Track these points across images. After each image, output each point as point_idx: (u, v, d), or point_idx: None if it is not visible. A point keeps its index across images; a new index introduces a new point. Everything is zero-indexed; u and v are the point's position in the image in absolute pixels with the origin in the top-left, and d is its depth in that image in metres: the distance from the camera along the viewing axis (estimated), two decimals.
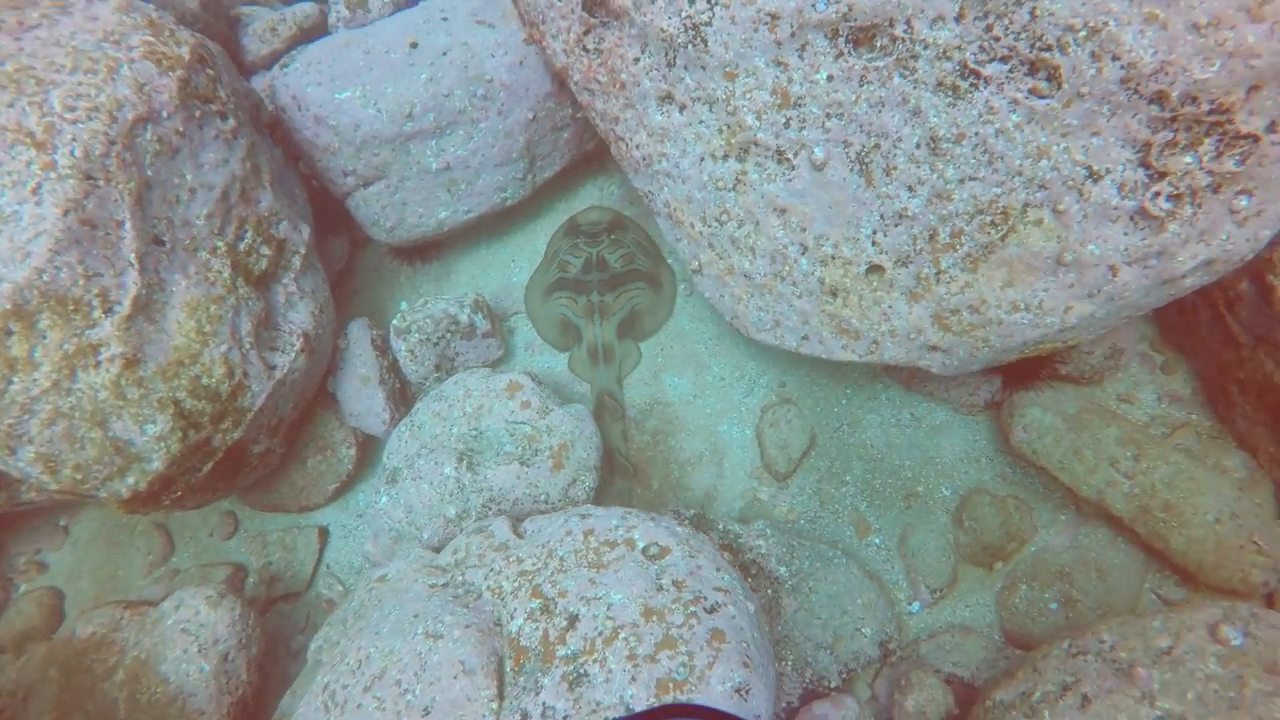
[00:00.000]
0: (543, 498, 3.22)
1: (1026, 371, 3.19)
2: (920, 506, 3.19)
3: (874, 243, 2.76)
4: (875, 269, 2.79)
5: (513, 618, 2.41)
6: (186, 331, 2.91)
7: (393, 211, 3.73)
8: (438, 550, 3.10)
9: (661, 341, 3.86)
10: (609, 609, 2.27)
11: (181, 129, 2.90)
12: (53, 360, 2.68)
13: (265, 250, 3.21)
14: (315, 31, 4.25)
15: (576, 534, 2.53)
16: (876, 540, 3.20)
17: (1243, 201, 2.28)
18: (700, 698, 2.06)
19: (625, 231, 3.98)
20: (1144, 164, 2.35)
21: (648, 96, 3.01)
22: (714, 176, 2.98)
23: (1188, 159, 2.29)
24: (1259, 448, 2.85)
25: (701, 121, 2.93)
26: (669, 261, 4.05)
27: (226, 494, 3.38)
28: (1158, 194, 2.34)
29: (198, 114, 2.97)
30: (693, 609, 2.24)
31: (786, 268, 2.95)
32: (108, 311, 2.75)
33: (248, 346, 3.08)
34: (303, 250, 3.39)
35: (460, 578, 2.67)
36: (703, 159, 2.99)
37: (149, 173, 2.83)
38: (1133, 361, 3.23)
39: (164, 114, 2.85)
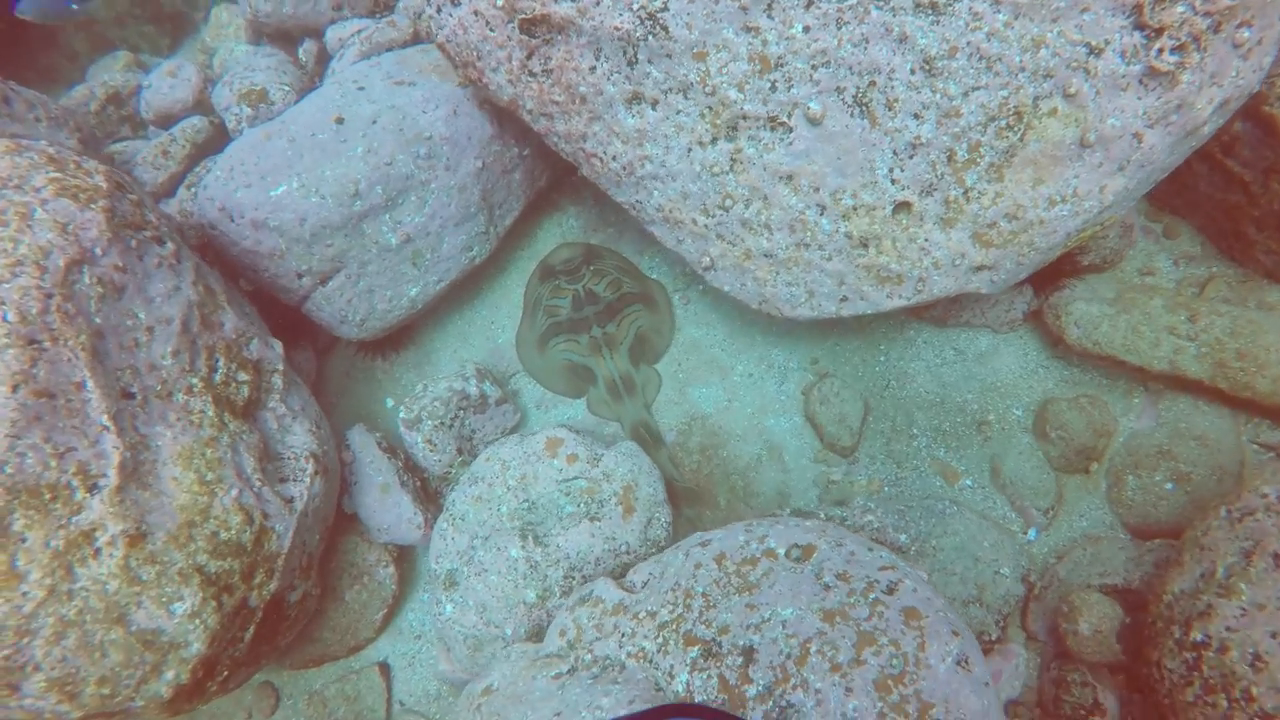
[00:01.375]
0: (623, 549, 2.94)
1: (1051, 275, 3.18)
2: (997, 435, 3.11)
3: (893, 180, 2.69)
4: (902, 206, 2.72)
5: (673, 676, 2.13)
6: (188, 486, 2.51)
7: (360, 302, 3.41)
8: (536, 641, 2.76)
9: (675, 357, 3.67)
10: (784, 627, 2.03)
11: (121, 264, 2.53)
12: (42, 564, 2.25)
13: (243, 376, 2.84)
14: (213, 144, 3.91)
15: (708, 564, 2.28)
16: (968, 482, 3.08)
17: (1244, 34, 2.33)
18: (927, 684, 1.84)
19: (602, 260, 3.80)
20: (1139, 26, 2.37)
21: (614, 103, 2.86)
22: (706, 164, 2.85)
23: (1180, 8, 2.33)
24: None
25: (679, 112, 2.81)
26: (653, 278, 3.89)
27: (270, 660, 2.93)
28: (1161, 50, 2.37)
29: (134, 244, 2.61)
30: (872, 596, 2.04)
31: (809, 233, 2.83)
32: (92, 489, 2.33)
33: (258, 484, 2.69)
34: (281, 367, 3.03)
35: (587, 657, 2.36)
36: (690, 149, 2.85)
37: (98, 320, 2.45)
38: (1138, 237, 3.28)
39: (97, 251, 2.48)
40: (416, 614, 3.34)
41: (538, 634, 2.88)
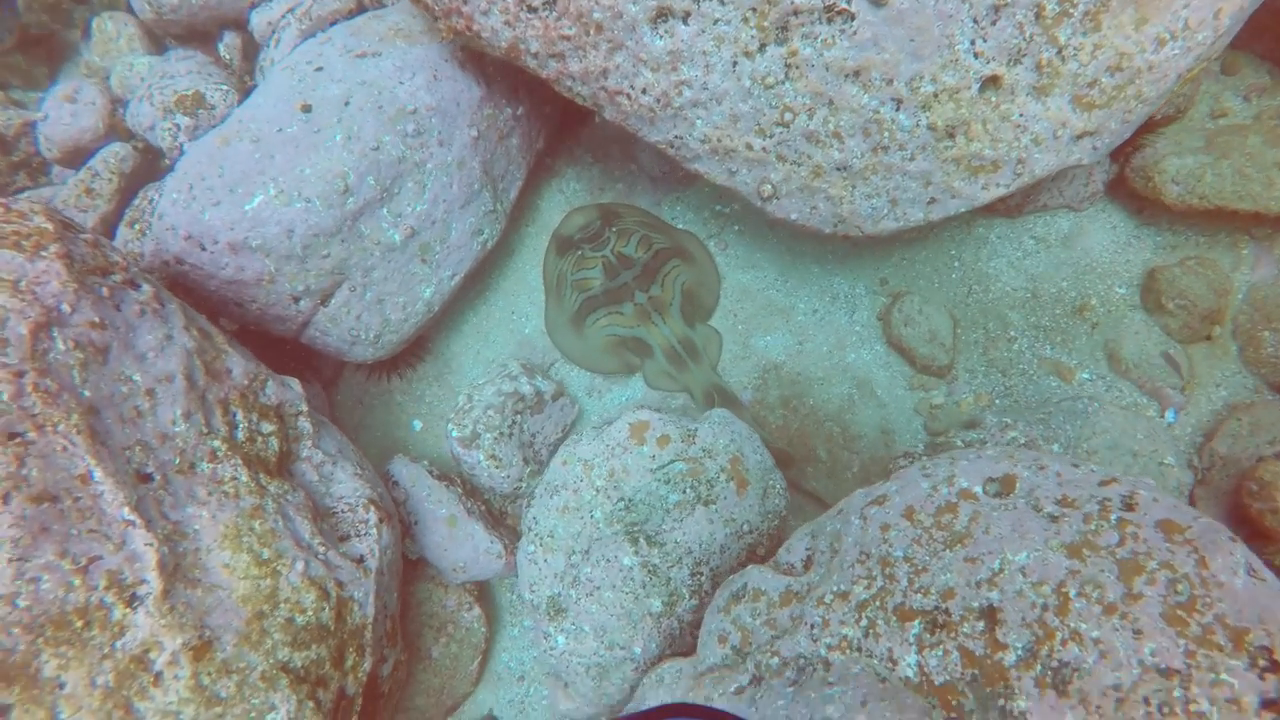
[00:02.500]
0: (746, 529, 2.60)
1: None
2: (1104, 319, 2.86)
3: (976, 53, 2.36)
4: (989, 82, 2.39)
5: (896, 661, 1.80)
6: (244, 570, 2.04)
7: (371, 316, 2.93)
8: (681, 655, 2.40)
9: (729, 308, 3.30)
10: (1025, 575, 1.72)
11: (97, 319, 2.02)
12: (92, 709, 1.78)
13: (267, 426, 2.36)
14: (144, 171, 3.32)
15: (897, 522, 1.95)
16: (1085, 375, 2.83)
17: None
18: (1228, 604, 1.56)
19: (622, 218, 3.39)
20: None
21: (637, 25, 2.45)
22: (757, 76, 2.47)
23: None
24: None
25: (717, 20, 2.41)
26: (680, 228, 3.50)
27: None
28: None
29: (105, 292, 2.09)
30: (1113, 516, 1.74)
31: (886, 134, 2.49)
32: (133, 601, 1.86)
33: (321, 550, 2.24)
34: (304, 408, 2.55)
35: (773, 661, 2.01)
36: (735, 63, 2.47)
37: (87, 393, 1.94)
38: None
39: (65, 309, 1.96)
40: (511, 653, 2.93)
41: (676, 646, 2.53)
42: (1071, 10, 2.28)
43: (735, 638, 2.15)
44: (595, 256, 3.28)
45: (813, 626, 1.96)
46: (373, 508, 2.45)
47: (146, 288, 2.23)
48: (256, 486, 2.20)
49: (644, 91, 2.59)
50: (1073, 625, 1.62)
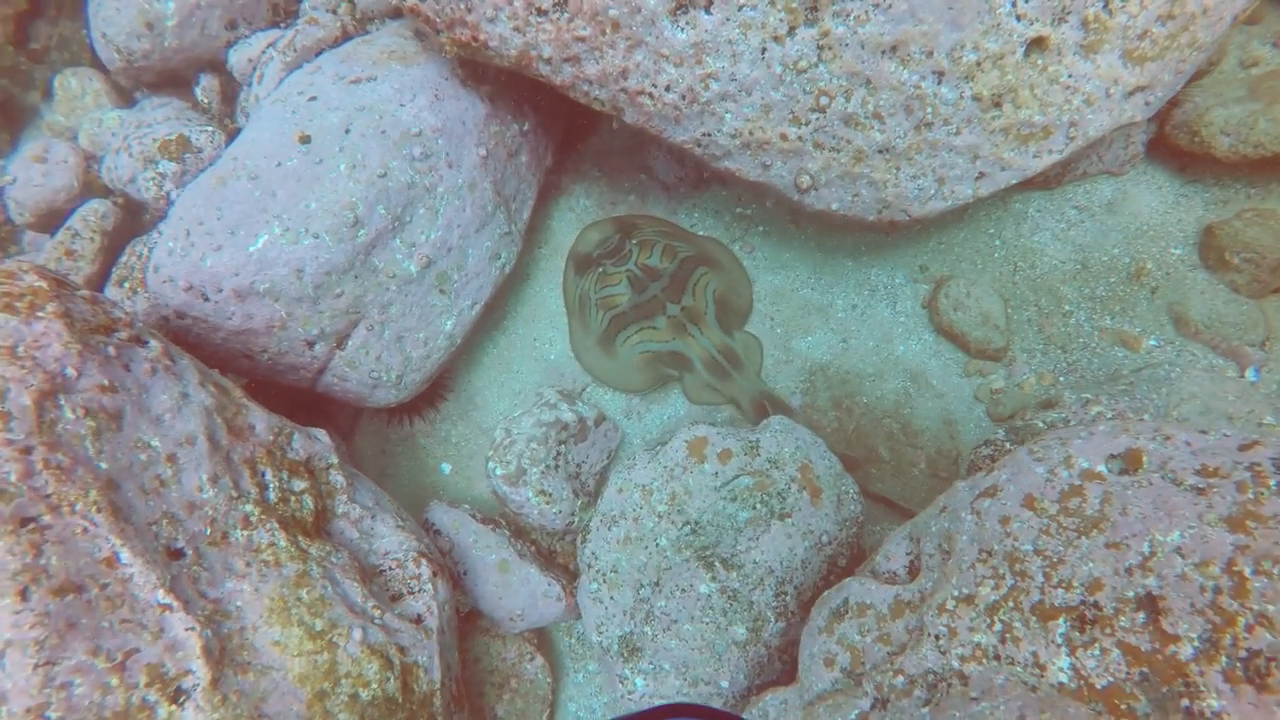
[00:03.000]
0: (825, 540, 2.41)
1: None
2: (1164, 281, 2.74)
3: (1019, 15, 2.24)
4: (1035, 44, 2.28)
5: (1044, 667, 1.62)
6: (297, 647, 1.81)
7: (391, 356, 2.72)
8: (779, 685, 2.19)
9: (764, 312, 3.14)
10: (1184, 557, 1.56)
11: (106, 381, 1.80)
12: None
13: (299, 484, 2.14)
14: (126, 228, 3.11)
15: (1017, 513, 1.78)
16: (1152, 342, 2.70)
17: None
18: None
19: (641, 229, 3.23)
20: None
21: (656, 18, 2.31)
22: (789, 61, 2.34)
23: None
24: None
25: (742, 6, 2.28)
26: (700, 234, 3.35)
27: None
28: None
29: (112, 351, 1.87)
30: (1272, 482, 1.58)
31: (930, 109, 2.37)
32: (178, 696, 1.63)
33: (376, 613, 2.01)
34: (334, 460, 2.34)
35: (898, 681, 1.81)
36: (764, 49, 2.33)
37: (104, 465, 1.72)
38: None
39: (70, 373, 1.74)
40: (579, 701, 2.70)
41: (765, 674, 2.32)
42: None
43: (844, 659, 1.96)
44: (618, 272, 3.11)
45: (938, 638, 1.77)
46: (424, 561, 2.22)
47: (154, 343, 2.01)
48: (298, 551, 1.97)
49: (668, 89, 2.44)
50: (1257, 607, 1.45)
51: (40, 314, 1.77)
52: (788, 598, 2.33)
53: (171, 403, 1.92)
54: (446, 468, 3.12)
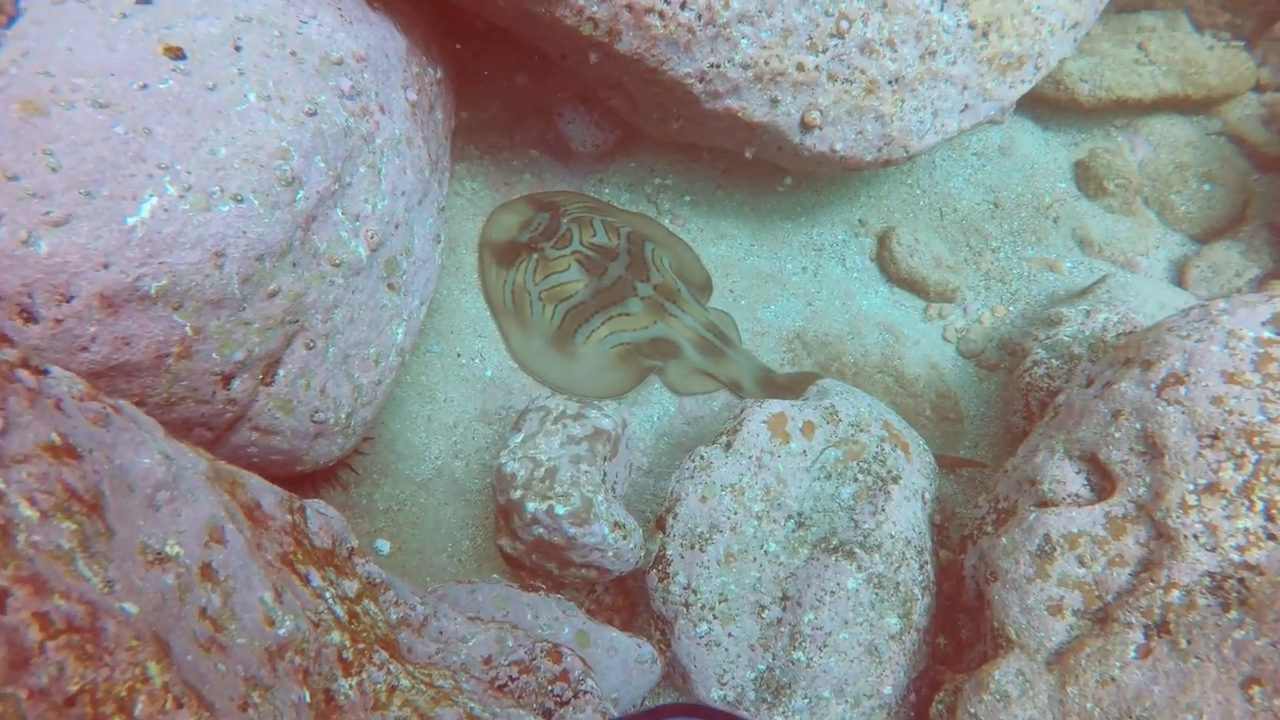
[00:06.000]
0: (926, 496, 2.18)
1: None
2: (1062, 210, 3.05)
3: None
4: None
5: None
6: None
7: (339, 385, 1.84)
8: (965, 665, 1.88)
9: (721, 285, 2.83)
10: None
11: (55, 437, 0.85)
12: None
13: (350, 584, 1.30)
14: None
15: (1226, 390, 1.73)
16: (1069, 264, 2.99)
17: None
18: None
19: (563, 206, 2.70)
20: None
21: None
22: None
23: None
24: None
25: None
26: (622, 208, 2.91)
27: None
28: None
29: (28, 382, 0.90)
30: None
31: (935, 37, 2.31)
32: None
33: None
34: (354, 542, 1.46)
35: (1172, 596, 1.64)
36: None
37: (130, 609, 0.80)
38: None
39: None
40: None
41: (918, 662, 1.99)
42: None
43: (1075, 599, 1.74)
44: (563, 255, 2.55)
45: (1196, 537, 1.65)
46: (566, 654, 1.49)
47: (59, 370, 1.03)
48: (436, 692, 1.16)
49: (684, 6, 2.03)
50: None
51: None
52: (929, 568, 2.04)
53: (160, 471, 0.98)
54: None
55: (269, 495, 1.24)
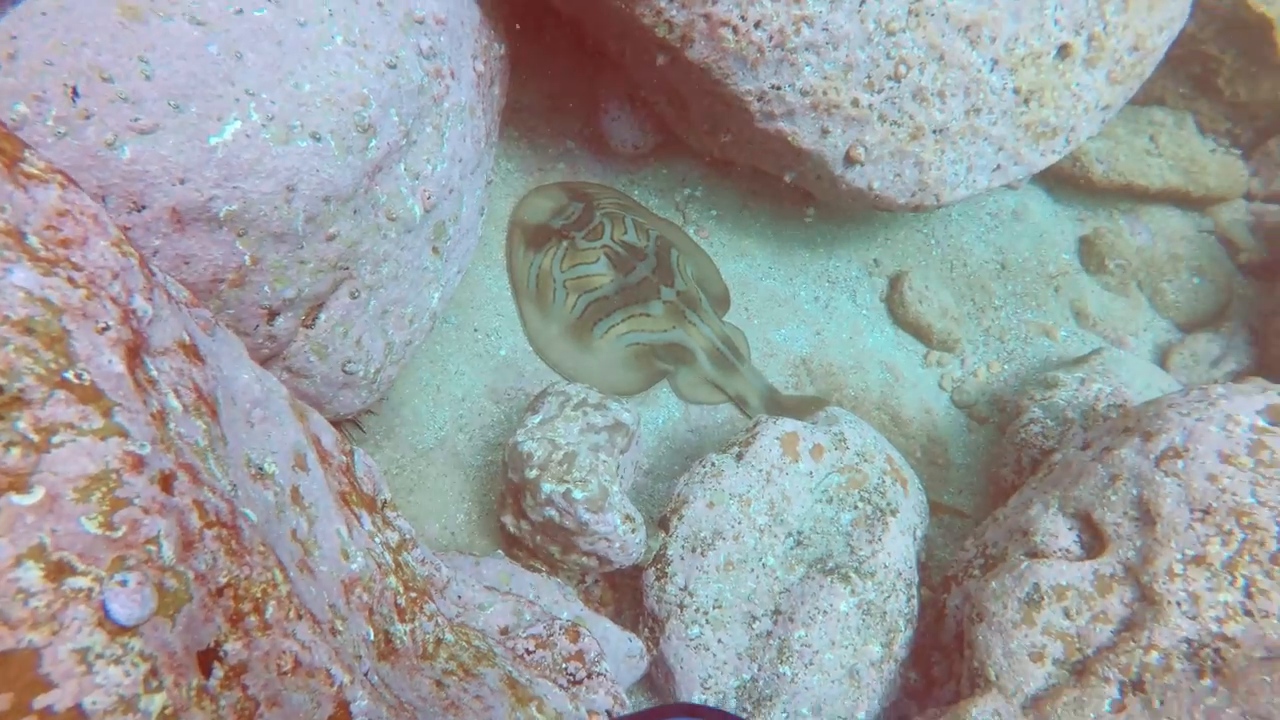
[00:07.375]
0: (919, 534, 2.25)
1: None
2: (1064, 281, 3.19)
3: (1057, 20, 2.42)
4: (1064, 50, 2.47)
5: None
6: None
7: (373, 338, 1.83)
8: (943, 699, 1.94)
9: (737, 303, 2.87)
10: None
11: (185, 336, 0.85)
12: None
13: (392, 535, 1.29)
14: None
15: (1220, 469, 1.83)
16: (1064, 333, 3.11)
17: None
18: None
19: (598, 200, 2.72)
20: None
21: None
22: (882, 19, 2.18)
23: None
24: None
25: None
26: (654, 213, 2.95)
27: None
28: None
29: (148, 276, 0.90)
30: None
31: (981, 95, 2.40)
32: None
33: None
34: (388, 495, 1.46)
35: (1150, 658, 1.72)
36: (863, 1, 2.13)
37: (252, 515, 0.80)
38: None
39: (142, 307, 0.78)
40: None
41: (892, 692, 2.05)
42: None
43: (1056, 649, 1.81)
44: (593, 248, 2.57)
45: (1179, 604, 1.74)
46: (583, 635, 1.50)
47: (160, 274, 1.02)
48: (477, 651, 1.16)
49: (757, 25, 2.09)
50: None
51: (35, 173, 0.76)
52: (915, 601, 2.11)
53: (257, 389, 0.98)
54: None
55: (328, 434, 1.23)
